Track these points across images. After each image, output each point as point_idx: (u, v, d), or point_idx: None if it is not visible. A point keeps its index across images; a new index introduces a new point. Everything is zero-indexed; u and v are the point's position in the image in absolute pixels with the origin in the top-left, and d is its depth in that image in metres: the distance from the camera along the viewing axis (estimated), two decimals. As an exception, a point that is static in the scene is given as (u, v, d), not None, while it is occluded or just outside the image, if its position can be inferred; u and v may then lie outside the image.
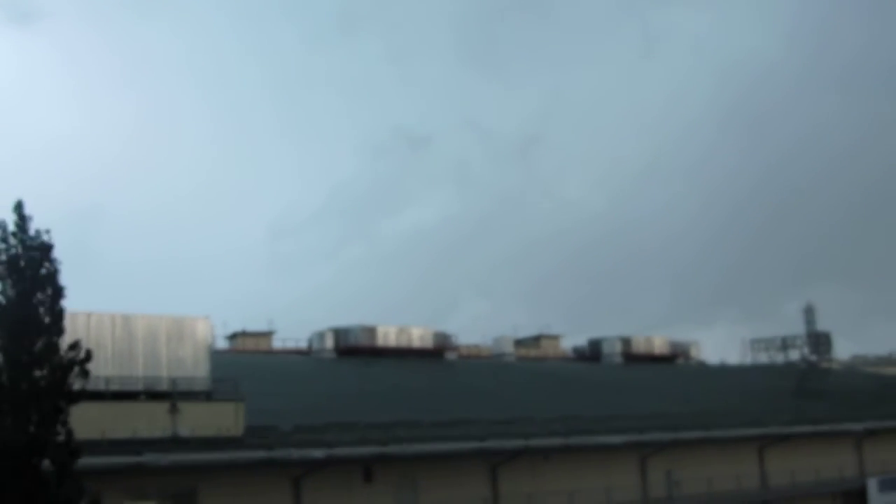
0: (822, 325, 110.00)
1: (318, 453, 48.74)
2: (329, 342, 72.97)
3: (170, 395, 44.37)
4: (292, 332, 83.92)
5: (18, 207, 27.82)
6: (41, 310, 27.05)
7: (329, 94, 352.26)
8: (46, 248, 27.53)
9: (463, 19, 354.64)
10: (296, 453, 48.05)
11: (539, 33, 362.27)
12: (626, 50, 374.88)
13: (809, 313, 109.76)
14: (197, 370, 46.57)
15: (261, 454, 46.74)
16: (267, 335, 79.17)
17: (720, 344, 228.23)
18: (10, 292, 27.01)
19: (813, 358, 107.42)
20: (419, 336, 75.76)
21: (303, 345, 76.23)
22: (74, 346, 27.43)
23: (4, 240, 27.41)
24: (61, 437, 26.21)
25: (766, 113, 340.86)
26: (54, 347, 26.94)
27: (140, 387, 43.86)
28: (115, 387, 42.67)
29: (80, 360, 27.32)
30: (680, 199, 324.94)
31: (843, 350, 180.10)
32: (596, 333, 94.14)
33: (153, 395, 44.15)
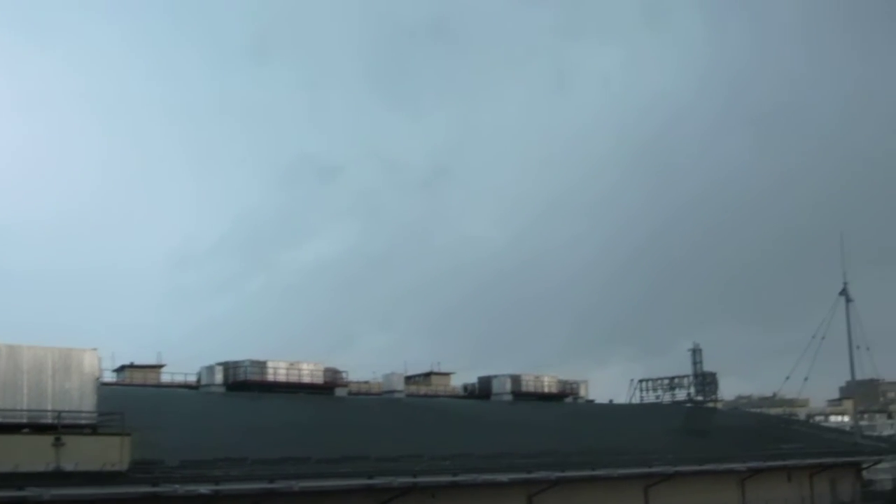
0: (710, 365, 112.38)
1: (205, 489, 48.25)
2: (218, 376, 72.44)
3: (54, 429, 43.83)
4: (184, 366, 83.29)
5: None
6: None
7: (237, 122, 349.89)
8: None
9: (374, 49, 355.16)
10: (181, 489, 47.43)
11: (451, 64, 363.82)
12: (538, 84, 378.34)
13: (697, 354, 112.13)
14: (83, 403, 46.07)
15: (145, 489, 46.17)
16: (156, 368, 78.51)
17: (615, 382, 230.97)
18: None
19: (699, 398, 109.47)
20: (310, 371, 75.68)
21: (192, 379, 75.72)
22: None
23: None
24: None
25: (675, 155, 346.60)
26: None
27: (24, 419, 43.23)
28: (-3, 420, 42.14)
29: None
30: (583, 237, 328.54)
31: (729, 390, 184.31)
32: (491, 370, 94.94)
33: (38, 429, 43.53)
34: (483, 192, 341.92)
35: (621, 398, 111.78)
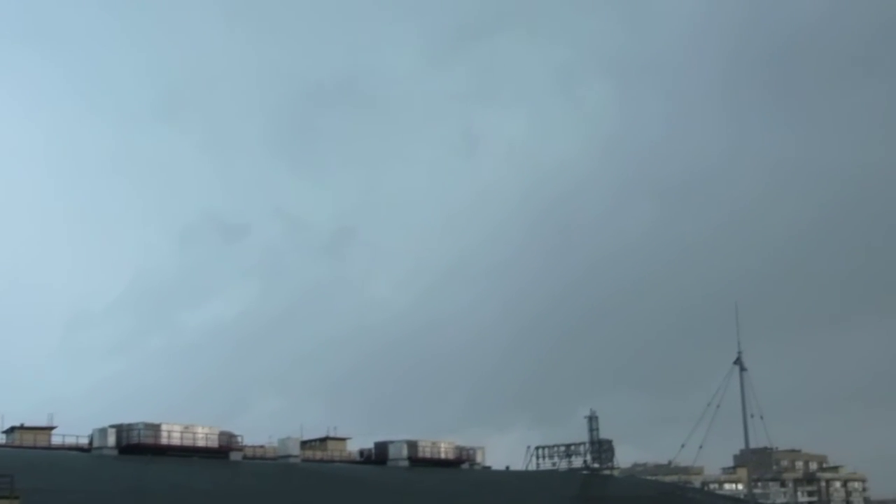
0: (607, 433, 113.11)
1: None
2: (111, 439, 71.50)
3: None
4: (75, 428, 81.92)
5: None
6: None
7: (139, 182, 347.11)
8: None
9: (281, 109, 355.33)
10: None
11: (358, 126, 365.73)
12: (445, 147, 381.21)
13: (593, 421, 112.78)
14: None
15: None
16: (46, 430, 77.00)
17: (513, 448, 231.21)
18: None
19: (595, 465, 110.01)
20: (205, 435, 75.05)
21: (84, 441, 74.42)
22: None
23: None
24: None
25: (577, 221, 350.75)
26: None
27: None
28: None
29: None
30: (483, 301, 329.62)
31: (626, 457, 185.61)
32: (389, 435, 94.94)
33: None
34: (386, 254, 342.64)
35: (518, 465, 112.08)
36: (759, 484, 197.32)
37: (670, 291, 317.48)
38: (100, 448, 71.84)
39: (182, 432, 73.62)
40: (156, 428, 72.69)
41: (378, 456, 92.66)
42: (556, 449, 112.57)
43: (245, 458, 79.69)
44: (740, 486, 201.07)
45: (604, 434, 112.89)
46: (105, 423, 72.85)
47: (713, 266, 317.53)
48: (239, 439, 78.56)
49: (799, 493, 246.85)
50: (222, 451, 75.87)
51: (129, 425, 72.54)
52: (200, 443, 74.49)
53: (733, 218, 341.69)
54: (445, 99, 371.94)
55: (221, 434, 76.12)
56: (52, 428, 77.04)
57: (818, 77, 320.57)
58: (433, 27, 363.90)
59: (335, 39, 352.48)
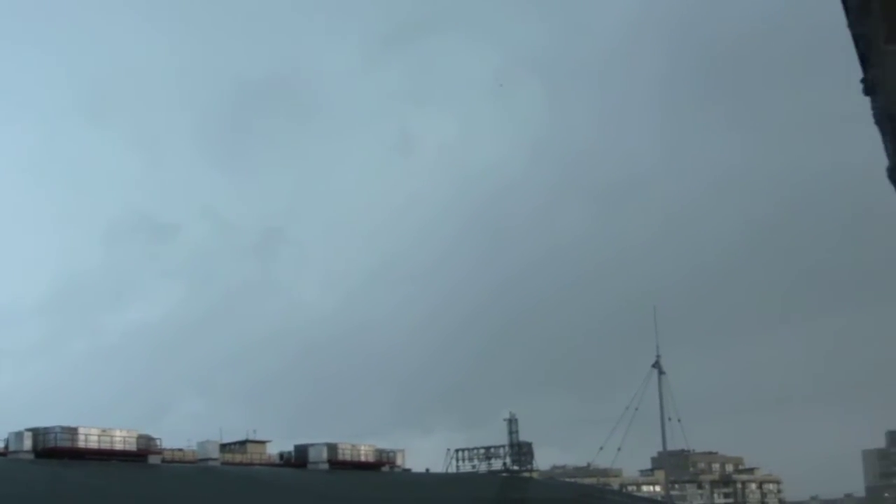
0: (527, 435, 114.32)
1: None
2: (27, 442, 70.83)
3: None
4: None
5: None
6: None
7: (63, 180, 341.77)
8: None
9: (213, 110, 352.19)
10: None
11: (293, 126, 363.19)
12: (378, 148, 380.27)
13: (513, 423, 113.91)
14: None
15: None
16: (-40, 435, 76.27)
17: (436, 451, 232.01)
18: None
19: (515, 467, 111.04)
20: (123, 438, 74.66)
21: (0, 445, 73.69)
22: None
23: None
24: None
25: (507, 224, 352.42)
26: None
27: None
28: None
29: None
30: (411, 303, 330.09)
31: (546, 460, 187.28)
32: (311, 438, 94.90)
33: None
34: (315, 256, 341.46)
35: (439, 468, 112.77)
36: (677, 486, 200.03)
37: (598, 295, 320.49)
38: (15, 452, 71.17)
39: (100, 436, 73.18)
40: (73, 431, 72.20)
41: (298, 459, 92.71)
42: (475, 451, 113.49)
43: (164, 461, 79.42)
44: (658, 488, 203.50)
45: (525, 437, 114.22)
46: (21, 427, 72.16)
47: (641, 270, 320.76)
48: (158, 442, 78.27)
49: (715, 495, 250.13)
50: (141, 455, 75.50)
51: (46, 429, 71.96)
52: (118, 446, 74.06)
53: (667, 222, 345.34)
54: (380, 99, 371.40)
55: (140, 437, 75.76)
56: (-35, 433, 76.27)
57: (757, 81, 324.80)
58: (369, 27, 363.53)
59: (269, 38, 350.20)
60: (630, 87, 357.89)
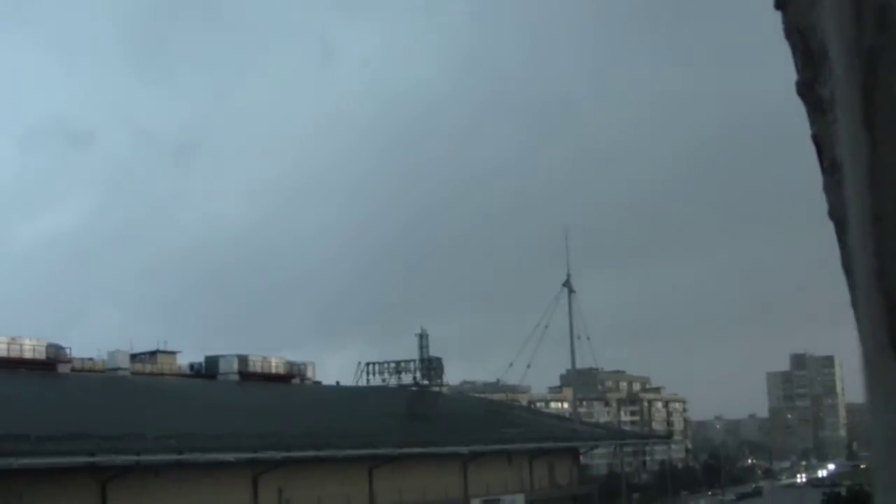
0: (438, 351, 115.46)
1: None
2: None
3: None
4: None
5: None
6: None
7: None
8: None
9: (131, 17, 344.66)
10: None
11: (212, 35, 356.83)
12: (301, 61, 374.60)
13: (423, 339, 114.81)
14: None
15: None
16: None
17: (349, 366, 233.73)
18: None
19: (424, 382, 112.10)
20: (32, 347, 74.30)
21: None
22: None
23: None
24: None
25: (432, 145, 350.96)
26: None
27: None
28: None
29: None
30: (334, 221, 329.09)
31: (456, 375, 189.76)
32: (223, 350, 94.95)
33: None
34: (233, 169, 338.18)
35: (350, 382, 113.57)
36: (584, 403, 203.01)
37: (521, 219, 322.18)
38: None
39: (9, 344, 72.62)
40: (-24, 340, 71.58)
41: (208, 370, 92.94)
42: (386, 365, 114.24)
43: (73, 370, 79.23)
44: (566, 405, 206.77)
45: (436, 353, 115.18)
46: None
47: (563, 195, 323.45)
48: (67, 352, 78.00)
49: (622, 413, 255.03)
50: (50, 364, 75.18)
51: (-48, 336, 71.31)
52: (27, 355, 73.63)
53: (593, 148, 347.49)
54: (301, 9, 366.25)
55: (49, 346, 75.41)
56: None
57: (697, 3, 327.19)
58: None
59: None
60: (562, 2, 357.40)
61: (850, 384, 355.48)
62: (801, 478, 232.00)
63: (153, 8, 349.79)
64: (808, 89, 1.34)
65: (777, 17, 1.57)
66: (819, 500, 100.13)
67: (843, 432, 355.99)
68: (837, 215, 1.31)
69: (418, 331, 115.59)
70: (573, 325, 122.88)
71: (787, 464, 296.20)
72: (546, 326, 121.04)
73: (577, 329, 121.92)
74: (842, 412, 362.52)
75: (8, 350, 72.33)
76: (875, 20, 0.96)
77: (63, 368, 76.78)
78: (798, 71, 1.44)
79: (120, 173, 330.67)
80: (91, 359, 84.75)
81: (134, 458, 57.63)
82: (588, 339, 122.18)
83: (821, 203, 1.44)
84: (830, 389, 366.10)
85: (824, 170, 1.42)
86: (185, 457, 60.74)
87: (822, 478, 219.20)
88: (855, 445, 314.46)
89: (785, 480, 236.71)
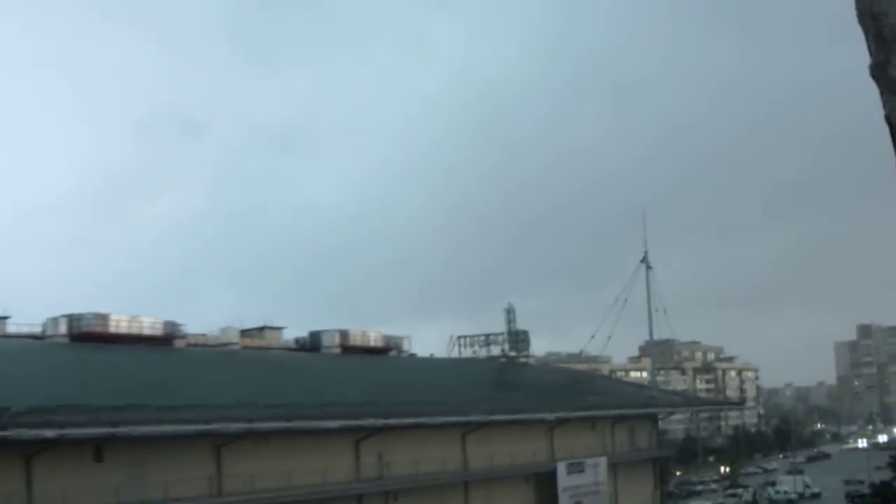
0: (524, 324, 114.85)
1: (50, 433, 48.32)
2: (62, 328, 71.28)
3: None
4: (29, 316, 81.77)
5: None
6: None
7: (96, 77, 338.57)
8: None
9: (241, 10, 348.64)
10: (27, 433, 47.51)
11: (313, 28, 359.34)
12: (395, 51, 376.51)
13: (510, 313, 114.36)
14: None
15: (-8, 434, 46.04)
16: (1, 320, 76.70)
17: (442, 339, 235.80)
18: None
19: (512, 353, 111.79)
20: (150, 324, 75.16)
21: (37, 330, 74.08)
22: None
23: None
24: None
25: (524, 128, 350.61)
26: None
27: None
28: None
29: None
30: (429, 207, 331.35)
31: (541, 347, 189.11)
32: (327, 326, 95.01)
33: None
34: (336, 155, 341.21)
35: (443, 354, 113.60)
36: (662, 372, 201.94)
37: (603, 198, 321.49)
38: (51, 336, 71.69)
39: (129, 322, 73.62)
40: (104, 318, 72.55)
41: (312, 344, 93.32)
42: (476, 338, 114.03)
43: (188, 345, 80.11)
44: (644, 374, 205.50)
45: (523, 326, 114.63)
46: (57, 314, 72.56)
47: (642, 175, 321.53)
48: (182, 328, 78.79)
49: (697, 381, 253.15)
50: (166, 340, 76.08)
51: (80, 315, 72.28)
52: (146, 332, 74.51)
53: (671, 127, 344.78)
54: (397, 1, 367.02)
55: (166, 323, 76.27)
56: (6, 318, 76.68)
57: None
58: None
59: None
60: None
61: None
62: (863, 442, 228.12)
63: (261, 2, 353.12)
64: (882, 71, 1.34)
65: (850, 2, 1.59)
66: (885, 462, 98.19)
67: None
68: None
69: (506, 305, 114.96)
70: (650, 298, 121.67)
71: (853, 428, 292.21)
72: (625, 300, 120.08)
73: (654, 302, 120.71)
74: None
75: (129, 327, 73.28)
76: None
77: (178, 344, 77.59)
78: (871, 54, 1.44)
79: (231, 161, 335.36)
80: (203, 334, 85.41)
81: (246, 425, 58.22)
82: (665, 311, 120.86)
83: (891, 181, 1.42)
84: (895, 357, 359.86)
85: None
86: (293, 424, 61.23)
87: (885, 442, 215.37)
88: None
89: (851, 444, 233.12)
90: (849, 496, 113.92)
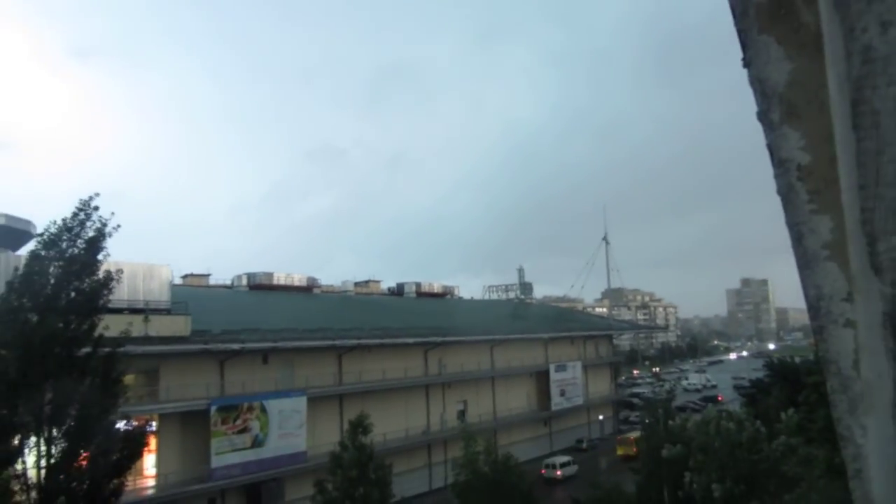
0: (530, 278, 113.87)
1: (236, 346, 48.01)
2: (244, 281, 71.18)
3: (144, 311, 43.02)
4: (224, 274, 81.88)
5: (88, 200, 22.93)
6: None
7: (286, 123, 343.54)
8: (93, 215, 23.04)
9: (357, 86, 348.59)
10: (222, 346, 47.21)
11: (406, 88, 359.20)
12: (463, 109, 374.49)
13: (521, 272, 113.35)
14: (161, 296, 45.28)
15: (199, 346, 45.78)
16: (205, 276, 76.72)
17: (479, 287, 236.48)
18: (67, 244, 22.83)
19: (522, 297, 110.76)
20: (298, 279, 74.69)
21: (228, 282, 74.17)
22: (106, 274, 24.21)
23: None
24: (96, 332, 23.35)
25: (534, 156, 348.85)
26: (92, 269, 23.46)
27: (125, 306, 42.26)
28: (111, 306, 40.83)
29: (105, 281, 24.07)
30: (476, 204, 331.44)
31: (540, 293, 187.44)
32: (407, 279, 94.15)
33: (134, 311, 42.63)
34: (425, 174, 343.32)
35: (480, 296, 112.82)
36: (615, 309, 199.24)
37: (588, 195, 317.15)
38: (237, 287, 71.49)
39: (285, 277, 73.16)
40: (270, 275, 72.13)
41: (398, 290, 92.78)
42: (500, 287, 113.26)
43: (322, 292, 79.54)
44: (605, 310, 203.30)
45: (529, 279, 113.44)
46: (240, 272, 72.44)
47: (610, 179, 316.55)
48: (318, 281, 78.23)
49: (638, 315, 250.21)
50: (308, 289, 75.55)
51: (254, 273, 72.00)
52: (296, 283, 74.06)
53: (631, 149, 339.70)
54: (460, 69, 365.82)
55: (308, 278, 75.72)
56: (208, 275, 76.80)
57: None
58: (466, 25, 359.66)
59: (396, 29, 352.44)
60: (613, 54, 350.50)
61: (778, 296, 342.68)
62: (745, 353, 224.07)
63: (372, 79, 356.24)
64: (765, 116, 1.37)
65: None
66: (761, 365, 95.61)
67: (773, 325, 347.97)
68: (783, 192, 1.31)
69: (518, 267, 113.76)
70: (609, 262, 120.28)
71: (738, 344, 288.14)
72: (593, 263, 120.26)
73: (611, 264, 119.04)
74: (773, 314, 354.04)
75: (285, 280, 72.82)
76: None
77: (316, 291, 77.05)
78: (758, 104, 1.46)
79: (356, 175, 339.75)
80: (332, 285, 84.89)
81: (356, 341, 57.45)
82: (618, 270, 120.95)
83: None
84: (765, 299, 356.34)
85: (774, 165, 1.45)
86: (386, 340, 60.43)
87: (759, 353, 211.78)
88: (781, 333, 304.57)
89: (737, 355, 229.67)
90: (735, 388, 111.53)
